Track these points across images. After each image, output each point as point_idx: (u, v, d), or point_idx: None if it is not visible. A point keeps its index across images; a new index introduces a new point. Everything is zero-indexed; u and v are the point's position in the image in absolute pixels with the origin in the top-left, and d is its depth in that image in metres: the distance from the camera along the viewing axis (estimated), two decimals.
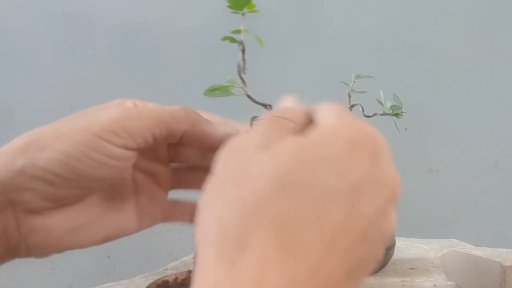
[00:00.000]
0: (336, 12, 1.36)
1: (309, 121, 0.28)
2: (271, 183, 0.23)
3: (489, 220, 1.46)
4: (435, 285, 0.62)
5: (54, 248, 0.32)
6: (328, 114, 0.27)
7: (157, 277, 0.35)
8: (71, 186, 0.30)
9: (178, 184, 0.38)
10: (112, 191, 0.34)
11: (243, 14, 0.33)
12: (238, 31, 0.33)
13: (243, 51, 0.33)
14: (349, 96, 0.66)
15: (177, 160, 0.37)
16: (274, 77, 1.31)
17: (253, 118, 0.34)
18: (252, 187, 0.23)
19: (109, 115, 0.31)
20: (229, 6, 0.33)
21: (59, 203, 0.31)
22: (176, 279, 0.35)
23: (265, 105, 0.34)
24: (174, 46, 1.28)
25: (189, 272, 0.36)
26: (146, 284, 0.34)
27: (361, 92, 0.65)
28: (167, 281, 0.35)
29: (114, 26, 1.25)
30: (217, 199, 0.24)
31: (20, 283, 1.17)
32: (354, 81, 0.66)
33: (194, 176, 0.38)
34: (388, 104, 0.66)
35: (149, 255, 1.21)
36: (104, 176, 0.31)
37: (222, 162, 0.25)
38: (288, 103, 0.31)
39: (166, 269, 0.72)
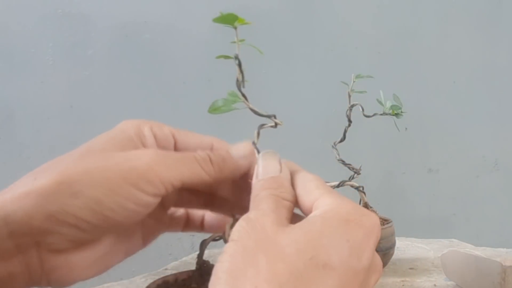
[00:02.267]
0: (336, 12, 1.36)
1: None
2: (304, 257, 0.26)
3: (489, 220, 1.46)
4: (435, 285, 0.62)
5: (73, 281, 0.32)
6: (319, 192, 0.31)
7: (157, 277, 0.35)
8: (97, 231, 0.31)
9: (180, 204, 0.38)
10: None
11: (235, 28, 0.33)
12: (234, 42, 0.33)
13: (239, 65, 0.33)
14: (349, 96, 0.66)
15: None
16: (274, 77, 1.31)
17: (260, 127, 0.34)
18: (285, 259, 0.26)
19: (145, 161, 0.30)
20: (214, 20, 0.33)
21: (83, 243, 0.31)
22: (176, 279, 0.35)
23: (269, 116, 0.34)
24: (174, 46, 1.28)
25: (189, 272, 0.35)
26: (146, 284, 0.34)
27: (361, 92, 0.65)
28: (167, 281, 0.35)
29: (114, 26, 1.25)
30: (250, 268, 0.25)
31: None
32: (354, 81, 0.66)
33: (196, 198, 0.38)
34: (388, 104, 0.66)
35: (149, 255, 1.21)
36: (129, 220, 0.31)
37: (243, 233, 0.27)
38: (273, 167, 0.33)
39: (166, 269, 0.72)
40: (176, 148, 0.36)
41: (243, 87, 0.33)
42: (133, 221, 0.32)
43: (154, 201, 0.31)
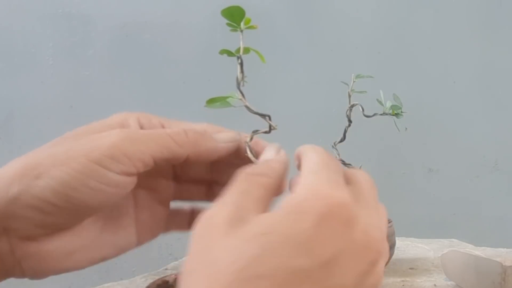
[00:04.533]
0: (336, 12, 1.36)
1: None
2: (236, 276, 0.23)
3: (489, 220, 1.46)
4: (435, 285, 0.62)
5: (49, 271, 0.31)
6: (305, 174, 0.27)
7: (157, 277, 0.35)
8: (66, 214, 0.29)
9: (179, 196, 0.37)
10: (110, 211, 0.33)
11: (241, 31, 0.33)
12: (238, 51, 0.33)
13: (241, 65, 0.33)
14: (349, 96, 0.66)
15: (181, 173, 0.37)
16: (275, 77, 1.31)
17: (254, 132, 0.34)
18: (220, 279, 0.23)
19: (110, 139, 0.29)
20: (228, 24, 0.33)
21: (54, 230, 0.30)
22: (176, 279, 0.35)
23: (263, 115, 0.34)
24: (174, 46, 1.28)
25: None
26: (146, 284, 0.34)
27: (361, 92, 0.65)
28: (167, 281, 0.35)
29: (114, 26, 1.25)
30: (191, 280, 0.24)
31: (21, 283, 1.17)
32: (354, 81, 0.66)
33: (196, 188, 0.37)
34: (388, 104, 0.66)
35: (149, 255, 1.21)
36: (101, 204, 0.30)
37: (195, 241, 0.25)
38: (268, 154, 0.32)
39: (166, 269, 0.72)
40: None
41: (243, 85, 0.33)
42: (107, 204, 0.31)
43: (125, 180, 0.30)
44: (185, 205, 0.38)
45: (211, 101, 0.34)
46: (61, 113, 1.23)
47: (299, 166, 0.30)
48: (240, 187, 0.27)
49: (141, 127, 0.34)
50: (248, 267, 0.23)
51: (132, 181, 0.30)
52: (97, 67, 1.25)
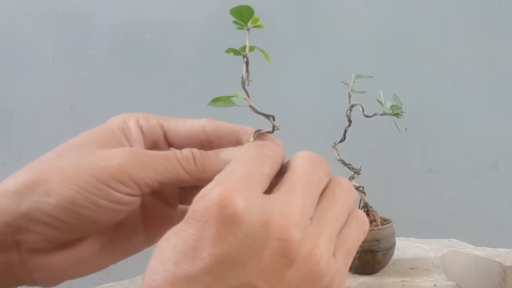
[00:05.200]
0: (337, 12, 1.36)
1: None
2: (143, 286, 0.25)
3: (489, 220, 1.46)
4: (435, 285, 0.62)
5: (60, 279, 0.32)
6: (283, 192, 0.28)
7: None
8: (75, 229, 0.30)
9: (184, 200, 0.37)
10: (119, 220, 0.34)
11: (248, 30, 0.33)
12: (243, 49, 0.33)
13: (247, 63, 0.33)
14: (349, 96, 0.66)
15: None
16: (275, 77, 1.31)
17: (257, 131, 0.34)
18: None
19: (118, 161, 0.30)
20: (234, 22, 0.33)
21: (63, 243, 0.31)
22: None
23: (268, 116, 0.34)
24: (174, 46, 1.28)
25: None
26: None
27: (361, 92, 0.65)
28: None
29: (114, 26, 1.25)
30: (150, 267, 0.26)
31: None
32: (354, 81, 0.66)
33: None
34: (388, 104, 0.66)
35: (149, 255, 1.21)
36: (109, 220, 0.31)
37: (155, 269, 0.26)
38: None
39: None
40: (166, 138, 0.35)
41: (248, 85, 0.33)
42: (116, 219, 0.31)
43: (131, 199, 0.30)
44: None
45: (215, 100, 0.34)
46: (61, 113, 1.23)
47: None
48: (251, 160, 0.28)
49: (141, 129, 0.34)
50: (146, 276, 0.25)
51: (138, 199, 0.31)
52: (97, 67, 1.25)
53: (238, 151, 0.32)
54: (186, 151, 0.32)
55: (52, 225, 0.29)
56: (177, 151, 0.32)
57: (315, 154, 0.30)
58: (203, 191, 0.27)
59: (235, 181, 0.26)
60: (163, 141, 0.35)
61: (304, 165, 0.29)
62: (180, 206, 0.38)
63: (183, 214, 0.37)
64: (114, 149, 0.31)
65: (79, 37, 1.24)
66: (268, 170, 0.29)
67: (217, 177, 0.27)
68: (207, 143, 0.35)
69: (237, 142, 0.34)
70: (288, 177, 0.28)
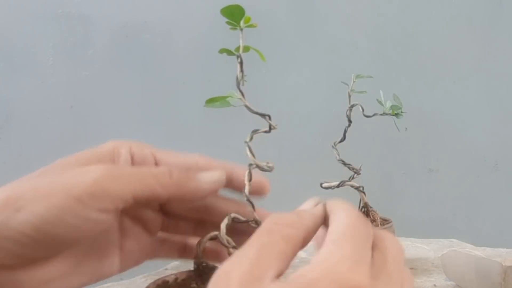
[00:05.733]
0: (337, 12, 1.36)
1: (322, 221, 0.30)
2: None
3: (489, 220, 1.46)
4: (435, 285, 0.62)
5: None
6: (327, 241, 0.27)
7: (157, 277, 0.35)
8: (44, 247, 0.29)
9: (166, 228, 0.37)
10: (93, 240, 0.33)
11: (241, 30, 0.33)
12: (237, 49, 0.33)
13: (241, 64, 0.33)
14: (349, 96, 0.66)
15: (168, 208, 0.36)
16: (275, 77, 1.31)
17: (254, 132, 0.34)
18: None
19: (92, 175, 0.29)
20: (227, 22, 0.33)
21: (31, 261, 0.30)
22: (176, 279, 0.35)
23: (263, 115, 0.34)
24: (174, 46, 1.28)
25: (189, 272, 0.35)
26: (146, 284, 0.34)
27: (361, 92, 0.66)
28: (167, 281, 0.35)
29: (114, 26, 1.25)
30: None
31: None
32: (354, 81, 0.66)
33: (184, 223, 0.37)
34: (388, 104, 0.66)
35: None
36: (79, 238, 0.30)
37: None
38: (306, 205, 0.32)
39: (166, 269, 0.72)
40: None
41: (242, 85, 0.33)
42: (88, 237, 0.31)
43: (103, 217, 0.30)
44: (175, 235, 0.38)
45: (210, 101, 0.34)
46: (61, 113, 1.23)
47: (326, 223, 0.30)
48: (262, 239, 0.26)
49: (132, 157, 0.34)
50: None
51: (111, 217, 0.30)
52: (97, 67, 1.25)
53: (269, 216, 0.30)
54: (162, 167, 0.32)
55: (20, 241, 0.28)
56: (153, 166, 0.33)
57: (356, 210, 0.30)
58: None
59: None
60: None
61: (395, 245, 0.29)
62: (159, 233, 0.37)
63: (162, 242, 0.37)
64: (91, 166, 0.31)
65: (79, 37, 1.24)
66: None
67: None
68: None
69: (229, 180, 0.35)
70: (382, 261, 0.27)
